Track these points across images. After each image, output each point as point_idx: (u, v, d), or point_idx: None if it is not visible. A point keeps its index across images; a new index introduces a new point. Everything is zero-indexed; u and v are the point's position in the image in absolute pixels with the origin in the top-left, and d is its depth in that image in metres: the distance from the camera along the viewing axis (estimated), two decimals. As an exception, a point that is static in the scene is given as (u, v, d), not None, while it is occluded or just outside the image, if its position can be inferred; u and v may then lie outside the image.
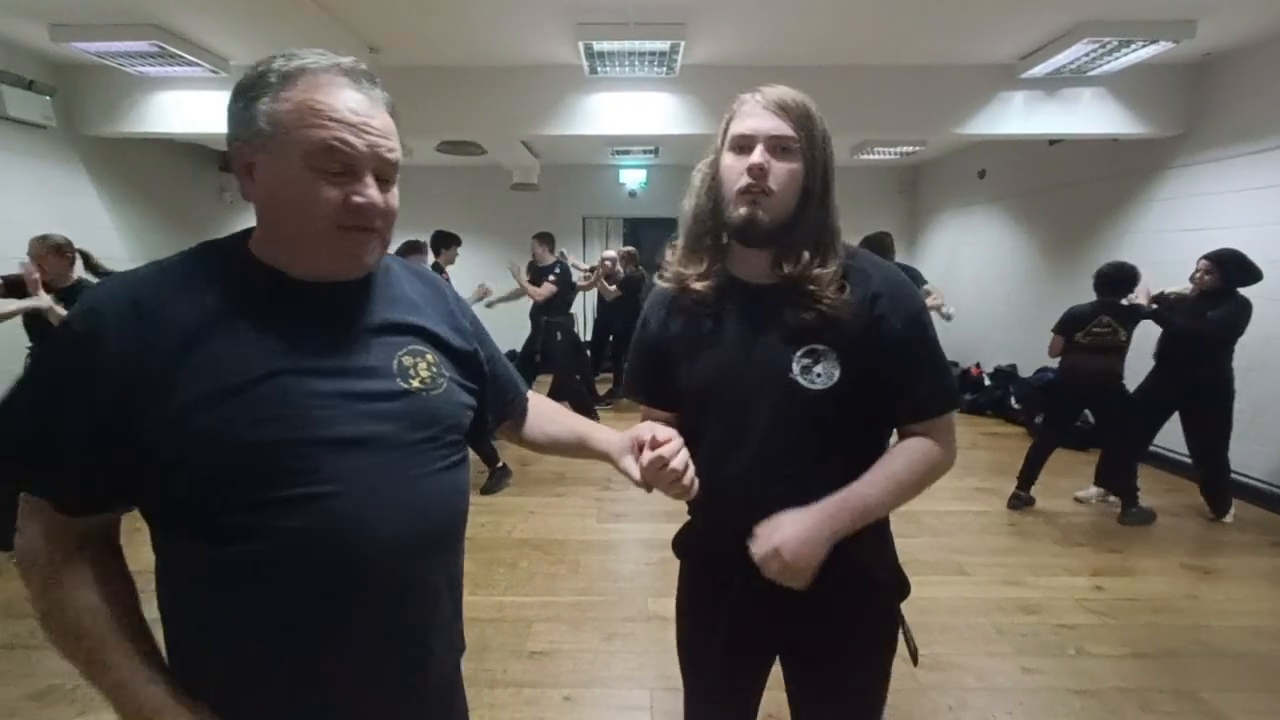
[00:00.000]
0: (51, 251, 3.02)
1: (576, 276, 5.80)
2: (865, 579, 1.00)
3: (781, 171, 0.93)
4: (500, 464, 4.04)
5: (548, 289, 5.11)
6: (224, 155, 6.17)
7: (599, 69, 4.12)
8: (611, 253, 6.21)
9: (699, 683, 1.18)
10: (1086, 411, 3.89)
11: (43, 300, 2.87)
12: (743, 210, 0.94)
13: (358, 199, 0.69)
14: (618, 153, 7.02)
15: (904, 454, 0.98)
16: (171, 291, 0.68)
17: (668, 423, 0.98)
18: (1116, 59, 3.88)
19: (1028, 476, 3.74)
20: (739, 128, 0.94)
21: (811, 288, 0.93)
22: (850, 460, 0.97)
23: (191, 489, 0.66)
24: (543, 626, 2.48)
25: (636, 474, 0.89)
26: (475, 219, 5.62)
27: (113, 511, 0.73)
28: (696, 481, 0.87)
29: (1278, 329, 3.71)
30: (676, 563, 1.17)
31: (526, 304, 5.29)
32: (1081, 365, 3.57)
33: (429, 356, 0.81)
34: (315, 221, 0.69)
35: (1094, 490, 3.81)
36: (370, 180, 0.71)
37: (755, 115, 0.93)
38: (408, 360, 0.78)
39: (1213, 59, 4.11)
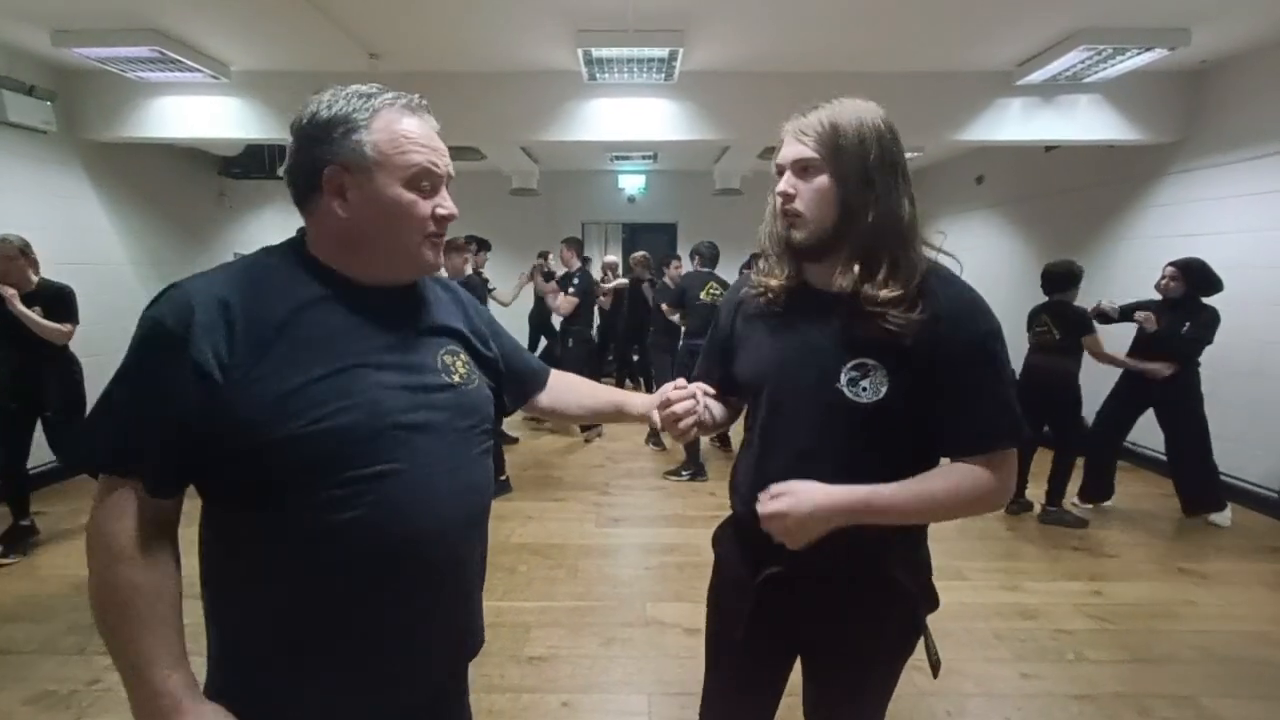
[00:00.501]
0: (18, 254, 2.90)
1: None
2: (888, 584, 1.00)
3: (807, 192, 0.97)
4: (504, 476, 4.04)
5: (568, 302, 5.11)
6: (224, 160, 6.18)
7: (598, 75, 4.14)
8: (612, 258, 6.21)
9: (719, 676, 1.19)
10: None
11: (25, 311, 2.85)
12: (782, 232, 1.01)
13: (442, 211, 0.81)
14: (617, 158, 7.05)
15: (949, 475, 0.94)
16: (254, 290, 0.75)
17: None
18: (1112, 66, 3.90)
19: (1019, 482, 3.75)
20: (777, 159, 1.02)
21: (870, 309, 0.94)
22: (893, 478, 0.95)
23: (281, 469, 0.72)
24: (541, 632, 2.47)
25: (660, 424, 1.03)
26: (475, 224, 5.62)
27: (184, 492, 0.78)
28: (695, 431, 1.02)
29: (1276, 334, 3.72)
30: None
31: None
32: (1035, 364, 3.64)
33: (462, 356, 0.90)
34: (414, 232, 0.80)
35: None
36: (446, 194, 0.82)
37: (784, 145, 1.00)
38: (447, 358, 0.87)
39: (1209, 66, 4.14)
